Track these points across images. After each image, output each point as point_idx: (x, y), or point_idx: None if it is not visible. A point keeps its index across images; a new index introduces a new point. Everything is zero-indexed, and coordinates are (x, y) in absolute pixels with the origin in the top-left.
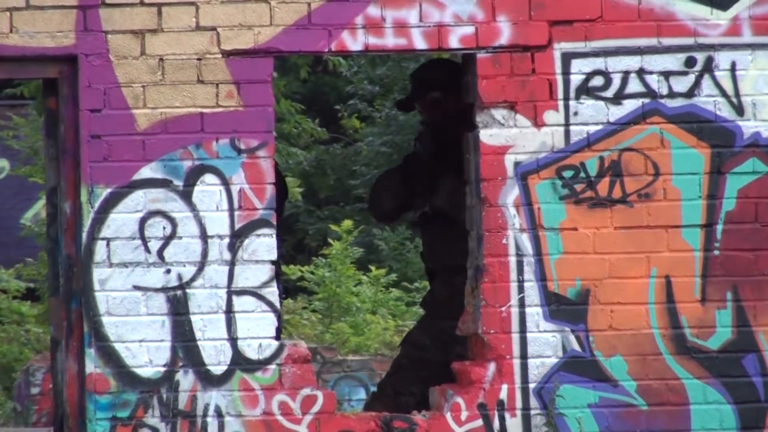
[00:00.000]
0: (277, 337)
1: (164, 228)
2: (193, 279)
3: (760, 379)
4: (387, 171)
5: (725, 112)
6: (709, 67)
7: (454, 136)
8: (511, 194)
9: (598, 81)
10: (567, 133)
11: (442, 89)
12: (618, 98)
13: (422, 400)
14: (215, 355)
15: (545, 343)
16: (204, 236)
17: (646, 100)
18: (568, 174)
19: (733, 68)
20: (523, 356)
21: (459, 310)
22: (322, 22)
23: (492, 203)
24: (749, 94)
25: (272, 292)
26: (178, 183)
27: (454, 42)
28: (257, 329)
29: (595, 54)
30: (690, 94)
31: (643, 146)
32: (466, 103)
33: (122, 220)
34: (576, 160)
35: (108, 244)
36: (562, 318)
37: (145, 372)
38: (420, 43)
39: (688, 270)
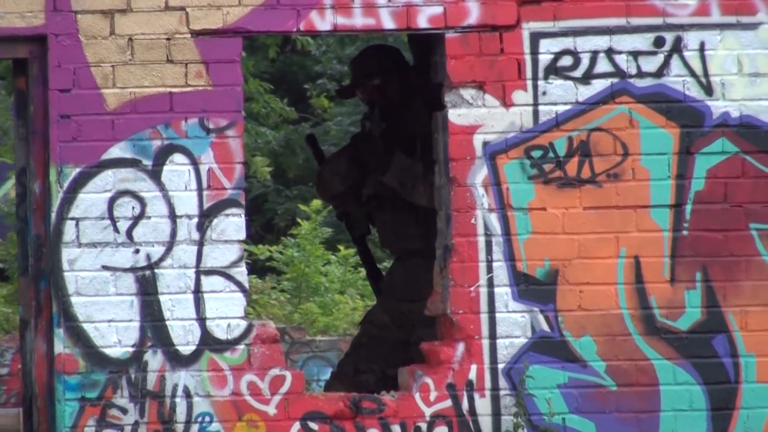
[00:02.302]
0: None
1: (133, 208)
2: (161, 259)
3: (729, 359)
4: (333, 154)
5: (694, 92)
6: (677, 47)
7: (403, 115)
8: (480, 174)
9: (566, 61)
10: (536, 113)
11: (382, 75)
12: (587, 78)
13: (382, 377)
14: (184, 335)
15: (514, 323)
16: (173, 216)
17: (615, 80)
18: (536, 154)
19: (701, 48)
20: (492, 336)
21: (415, 293)
22: (291, 2)
23: (461, 183)
24: (718, 74)
25: (241, 272)
26: (147, 163)
27: (422, 22)
28: (226, 309)
29: (564, 34)
30: (659, 73)
31: (611, 126)
32: (407, 87)
33: (91, 200)
34: (545, 140)
35: (77, 224)
36: (531, 298)
37: (114, 352)
38: (389, 23)
39: (657, 250)
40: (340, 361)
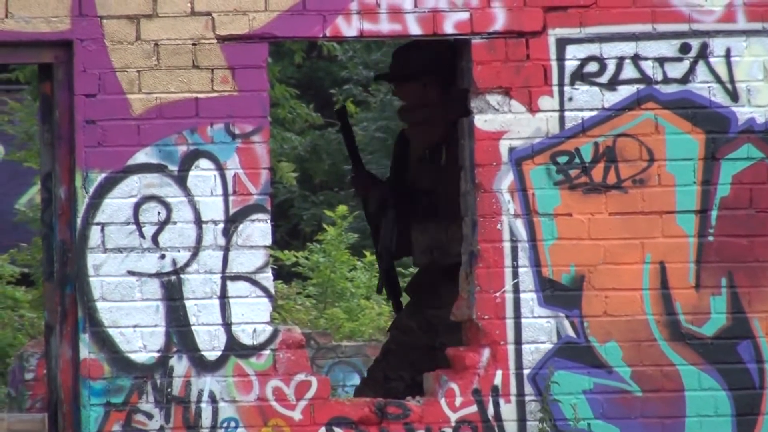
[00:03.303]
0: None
1: (159, 213)
2: (187, 264)
3: (754, 365)
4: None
5: (720, 98)
6: (703, 53)
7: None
8: (506, 180)
9: (592, 67)
10: (562, 119)
11: (424, 75)
12: (613, 84)
13: (412, 384)
14: (209, 341)
15: (540, 328)
16: (198, 221)
17: (641, 86)
18: (562, 160)
19: (727, 54)
20: (518, 342)
21: (438, 300)
22: (317, 8)
23: (486, 189)
24: (744, 81)
25: (267, 278)
26: (173, 168)
27: (449, 27)
28: (252, 314)
29: (590, 40)
30: (685, 80)
31: (637, 132)
32: (450, 92)
33: (117, 205)
34: (571, 145)
35: (102, 230)
36: (557, 304)
37: (140, 357)
38: (415, 29)
39: (683, 256)
40: (370, 368)
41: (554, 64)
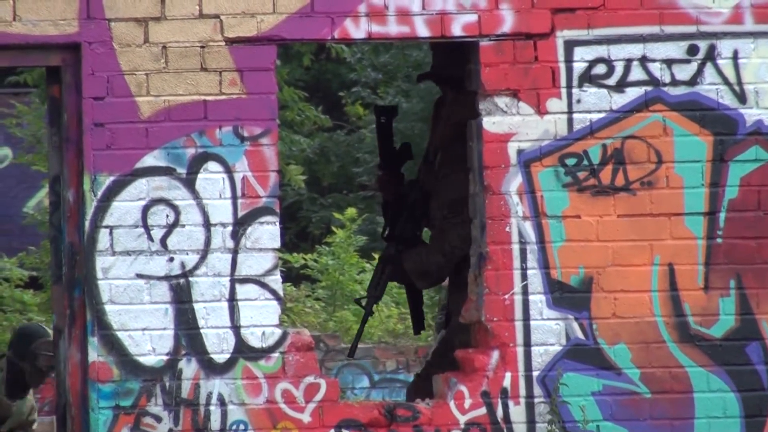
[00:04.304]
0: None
1: (167, 216)
2: (196, 267)
3: (763, 367)
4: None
5: (728, 100)
6: (711, 55)
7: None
8: (514, 182)
9: (600, 69)
10: (570, 121)
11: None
12: (621, 86)
13: None
14: (218, 344)
15: (548, 330)
16: (207, 224)
17: (649, 88)
18: (571, 162)
19: (735, 56)
20: (527, 344)
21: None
22: (325, 10)
23: (495, 191)
24: (751, 82)
25: (276, 280)
26: (181, 171)
27: (457, 30)
28: (260, 317)
29: (598, 42)
30: (692, 82)
31: (645, 134)
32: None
33: (125, 208)
34: (579, 147)
35: (111, 232)
36: (566, 306)
37: (148, 360)
38: (423, 31)
39: (691, 258)
40: (425, 366)
41: (562, 66)
